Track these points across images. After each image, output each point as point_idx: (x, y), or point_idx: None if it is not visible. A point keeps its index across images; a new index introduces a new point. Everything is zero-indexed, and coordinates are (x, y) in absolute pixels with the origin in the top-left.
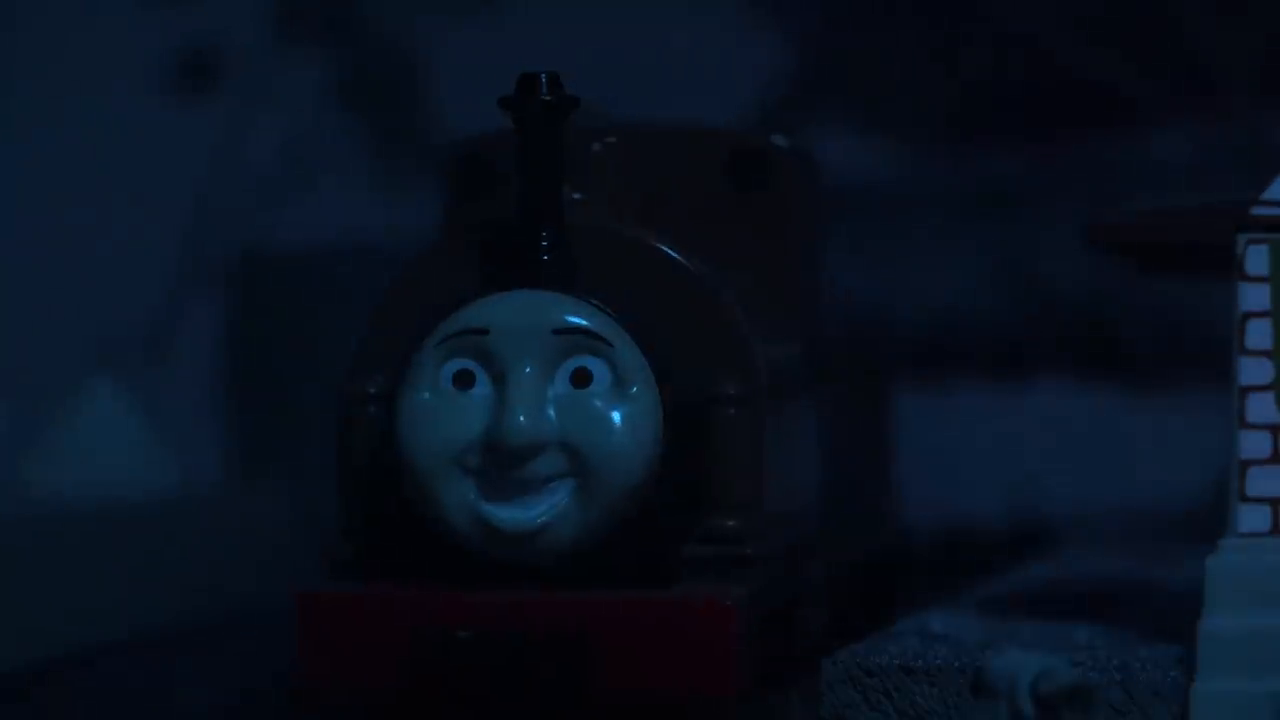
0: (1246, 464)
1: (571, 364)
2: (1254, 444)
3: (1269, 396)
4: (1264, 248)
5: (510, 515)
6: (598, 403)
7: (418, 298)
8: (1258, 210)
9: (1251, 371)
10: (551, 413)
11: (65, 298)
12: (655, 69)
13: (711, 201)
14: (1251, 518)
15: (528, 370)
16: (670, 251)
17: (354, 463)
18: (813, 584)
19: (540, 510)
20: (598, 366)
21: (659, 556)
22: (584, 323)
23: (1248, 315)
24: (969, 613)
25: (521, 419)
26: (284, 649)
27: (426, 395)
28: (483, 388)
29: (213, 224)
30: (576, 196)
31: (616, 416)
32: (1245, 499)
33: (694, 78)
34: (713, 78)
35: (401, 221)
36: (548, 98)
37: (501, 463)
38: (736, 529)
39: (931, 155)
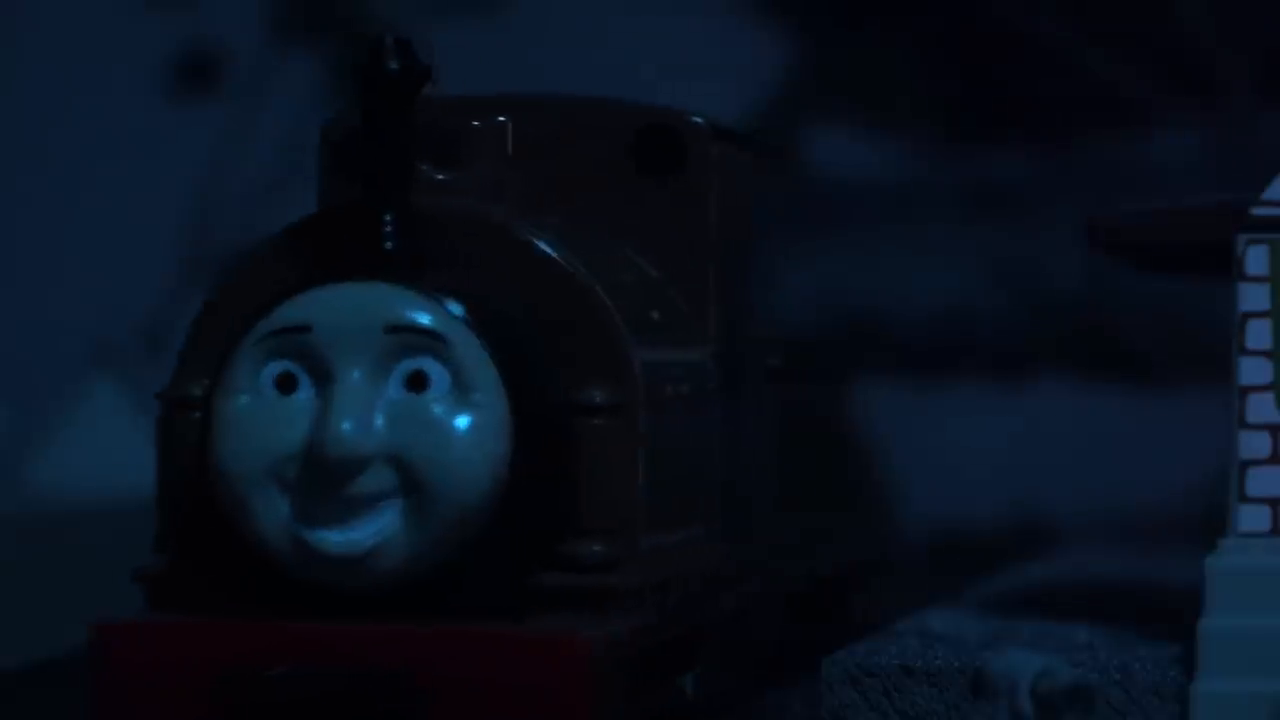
0: (1246, 464)
1: (406, 366)
2: (1254, 444)
3: (1269, 396)
4: (1264, 248)
5: (332, 537)
6: (435, 410)
7: (250, 291)
8: (1258, 210)
9: (1251, 371)
10: (381, 421)
11: (65, 297)
12: (655, 68)
13: (617, 186)
14: (1251, 518)
15: (355, 373)
16: (538, 241)
17: (173, 474)
18: (724, 618)
19: (367, 532)
20: (436, 369)
21: (509, 587)
22: (421, 319)
23: (1248, 315)
24: (969, 613)
25: (345, 428)
26: None
27: (243, 400)
28: (306, 392)
29: (213, 224)
30: (441, 177)
31: (456, 426)
32: (1245, 499)
33: (694, 77)
34: (713, 77)
35: None
36: (395, 66)
37: (323, 477)
38: (602, 556)
39: (931, 155)
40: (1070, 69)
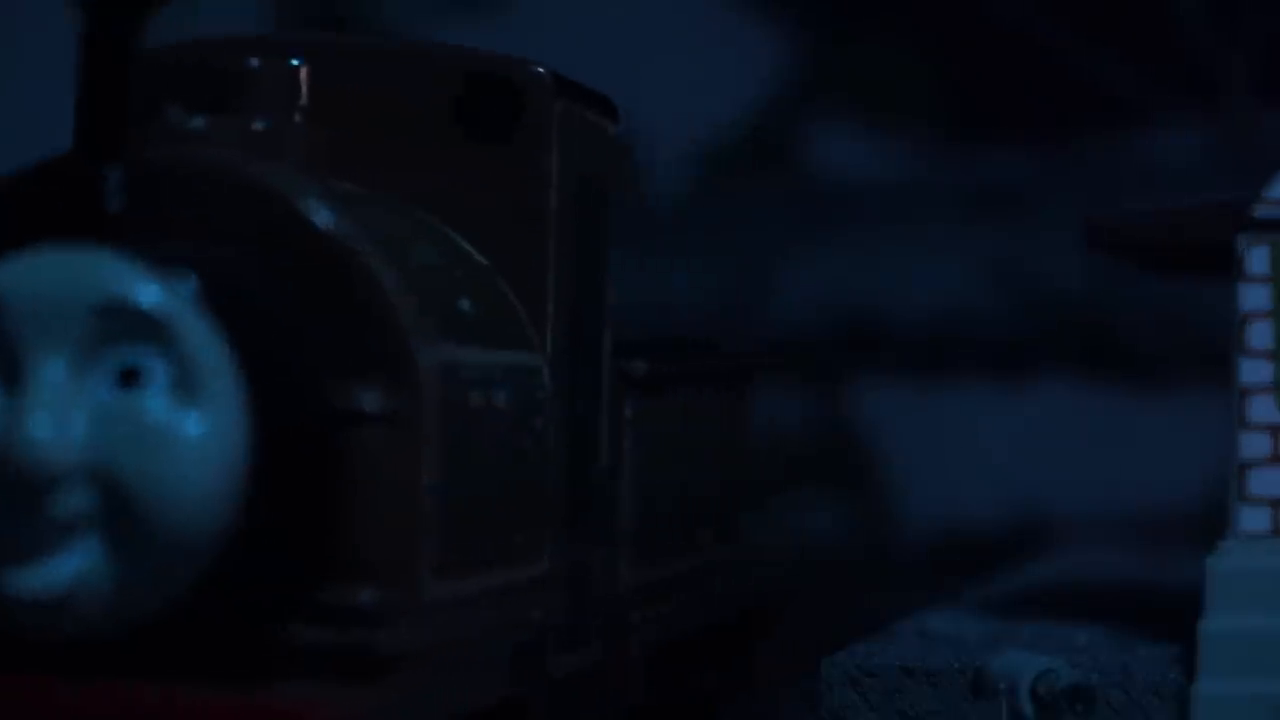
0: (1246, 464)
1: (118, 357)
2: (1254, 444)
3: (1269, 397)
4: (1264, 248)
5: (18, 574)
6: (150, 413)
7: None
8: (1258, 210)
9: (1251, 371)
10: (81, 426)
11: None
12: (655, 68)
13: (438, 149)
14: (1251, 518)
15: (52, 364)
16: (309, 208)
17: None
18: (556, 681)
19: (63, 569)
20: (156, 362)
21: (248, 642)
22: (138, 298)
23: (1248, 315)
24: (969, 613)
25: (34, 434)
26: None
27: None
28: None
29: None
30: (200, 124)
31: (177, 433)
32: (1245, 499)
33: (694, 76)
34: (713, 77)
35: None
36: None
37: (9, 497)
38: (371, 606)
39: (931, 155)
40: (1070, 69)
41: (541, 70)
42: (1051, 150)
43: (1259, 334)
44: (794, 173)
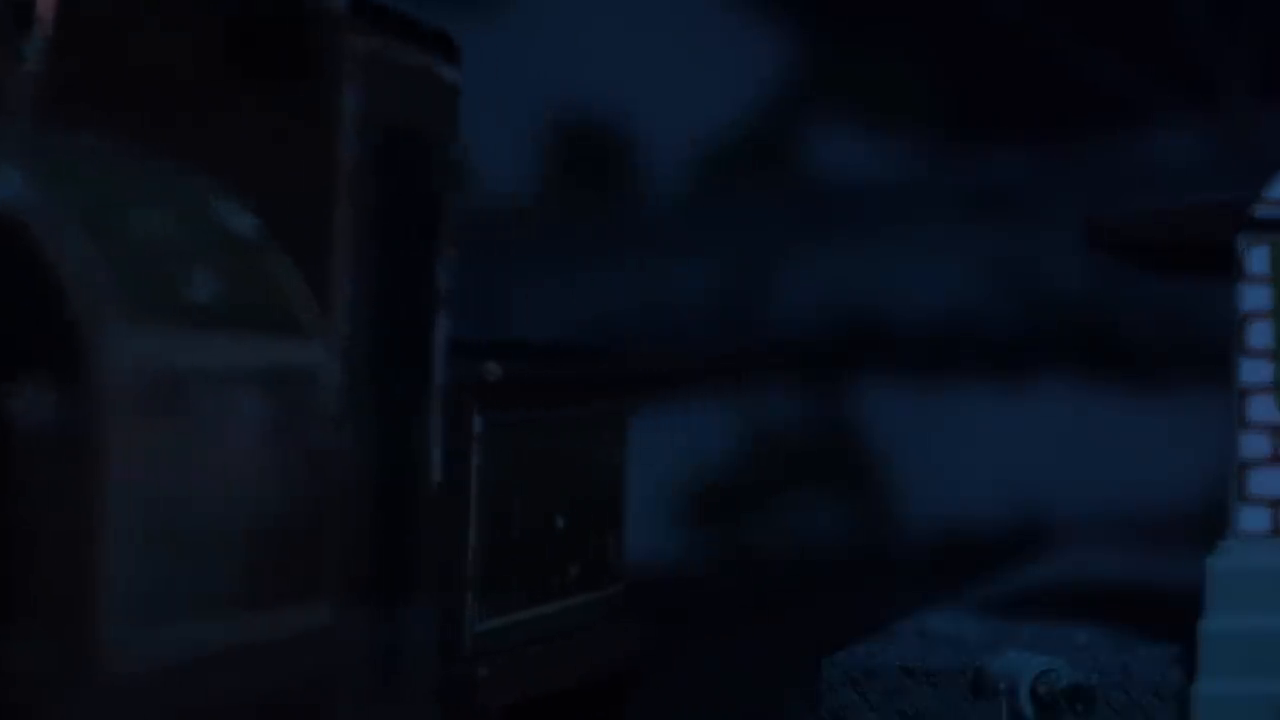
0: (1246, 464)
1: None
2: (1254, 444)
3: (1269, 397)
4: (1264, 248)
5: None
6: None
7: None
8: (1258, 210)
9: (1251, 371)
10: None
11: None
12: (655, 68)
13: (209, 94)
14: (1251, 518)
15: None
16: None
17: None
18: None
19: None
20: None
21: None
22: None
23: (1248, 316)
24: (969, 613)
25: None
26: None
27: None
28: None
29: None
30: None
31: None
32: (1245, 499)
33: (695, 76)
34: (713, 77)
35: None
36: None
37: None
38: (30, 672)
39: (931, 155)
40: (1070, 69)
41: (335, 4)
42: (1051, 150)
43: (1259, 334)
44: (794, 173)
